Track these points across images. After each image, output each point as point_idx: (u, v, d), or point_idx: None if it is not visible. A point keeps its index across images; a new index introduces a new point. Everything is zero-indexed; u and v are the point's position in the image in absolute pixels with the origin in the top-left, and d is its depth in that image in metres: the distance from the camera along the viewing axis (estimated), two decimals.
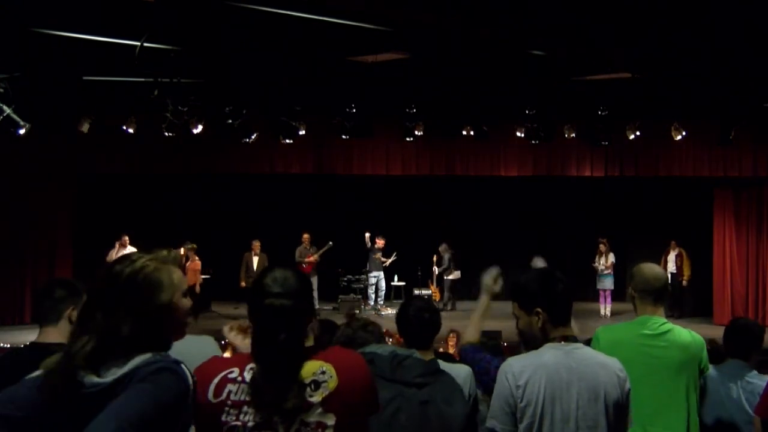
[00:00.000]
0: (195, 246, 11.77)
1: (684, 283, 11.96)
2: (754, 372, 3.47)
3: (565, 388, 2.25)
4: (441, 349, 8.08)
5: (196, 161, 11.63)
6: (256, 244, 12.47)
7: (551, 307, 2.36)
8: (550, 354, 2.31)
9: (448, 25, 7.35)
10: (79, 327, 1.66)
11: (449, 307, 13.45)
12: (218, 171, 12.13)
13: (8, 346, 9.17)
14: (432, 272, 13.34)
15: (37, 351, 2.39)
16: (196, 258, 11.67)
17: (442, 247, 13.36)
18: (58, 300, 2.63)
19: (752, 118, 10.14)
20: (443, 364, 2.96)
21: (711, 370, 3.30)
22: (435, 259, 13.33)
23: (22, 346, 2.76)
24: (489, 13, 7.10)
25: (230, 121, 9.93)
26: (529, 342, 2.44)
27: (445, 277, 13.34)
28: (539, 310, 2.36)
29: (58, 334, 2.57)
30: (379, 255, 13.01)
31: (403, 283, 13.43)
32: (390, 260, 13.17)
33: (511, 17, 7.15)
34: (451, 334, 8.39)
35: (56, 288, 2.69)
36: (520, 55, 8.12)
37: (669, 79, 9.14)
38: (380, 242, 12.97)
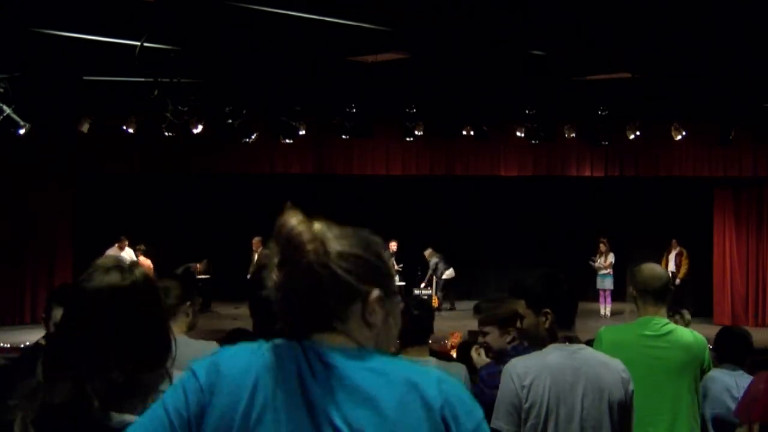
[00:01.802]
0: (143, 247, 11.77)
1: (677, 281, 11.93)
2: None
3: (569, 388, 2.27)
4: None
5: (196, 161, 11.63)
6: (256, 241, 12.52)
7: (558, 308, 2.39)
8: (554, 355, 2.33)
9: (448, 25, 7.36)
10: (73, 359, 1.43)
11: (447, 307, 13.44)
12: (218, 171, 12.13)
13: (8, 345, 9.17)
14: (431, 278, 13.35)
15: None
16: (141, 257, 11.62)
17: (427, 252, 13.33)
18: None
19: (752, 118, 10.15)
20: (438, 362, 2.99)
21: (712, 371, 3.31)
22: (426, 271, 13.32)
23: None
24: (489, 13, 7.10)
25: (230, 121, 9.93)
26: (532, 341, 2.46)
27: (436, 279, 13.35)
28: (548, 311, 2.37)
29: None
30: (392, 260, 13.02)
31: (403, 284, 13.42)
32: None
33: (511, 17, 7.16)
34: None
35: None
36: (520, 55, 8.12)
37: (669, 79, 9.15)
38: (392, 245, 12.99)
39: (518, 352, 2.70)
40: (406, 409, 1.11)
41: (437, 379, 1.16)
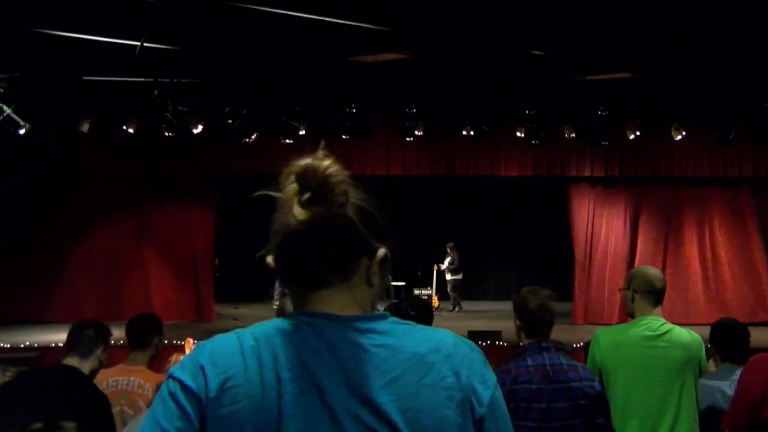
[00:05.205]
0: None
1: None
2: None
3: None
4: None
5: (196, 161, 11.62)
6: None
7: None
8: None
9: (448, 25, 7.36)
10: None
11: (449, 309, 13.42)
12: (218, 171, 12.12)
13: (8, 345, 9.16)
14: (433, 278, 13.31)
15: (70, 371, 3.00)
16: None
17: (450, 246, 13.32)
18: (91, 338, 3.15)
19: (752, 118, 10.14)
20: None
21: (706, 381, 3.28)
22: (436, 266, 13.32)
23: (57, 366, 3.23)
24: (489, 14, 7.10)
25: (230, 121, 9.93)
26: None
27: (449, 278, 13.31)
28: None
29: (86, 365, 3.09)
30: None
31: (402, 284, 13.41)
32: None
33: (512, 17, 7.16)
34: (189, 340, 7.86)
35: (88, 327, 3.19)
36: (520, 55, 8.12)
37: (669, 79, 9.15)
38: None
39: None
40: (427, 391, 1.07)
41: (448, 353, 1.12)
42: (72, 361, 3.09)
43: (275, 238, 1.14)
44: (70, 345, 3.15)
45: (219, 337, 1.11)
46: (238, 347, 1.07)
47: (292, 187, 1.13)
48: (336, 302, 1.12)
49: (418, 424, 1.05)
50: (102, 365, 3.24)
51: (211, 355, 1.07)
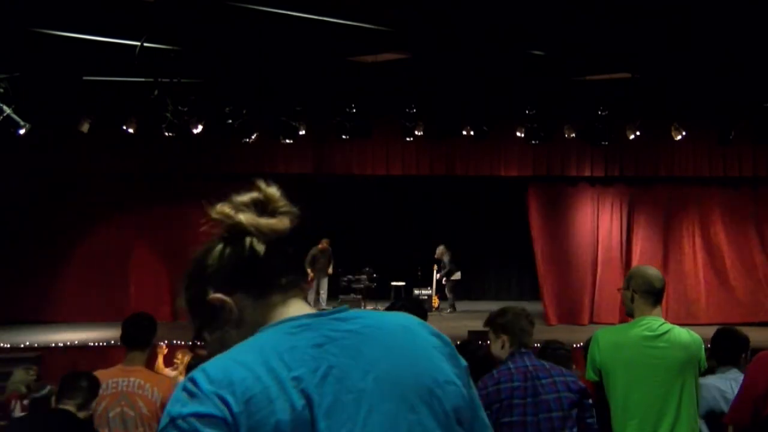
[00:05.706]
0: None
1: None
2: None
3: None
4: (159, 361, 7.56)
5: (196, 161, 11.63)
6: None
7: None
8: None
9: (448, 25, 7.36)
10: None
11: (448, 310, 13.41)
12: (218, 171, 12.12)
13: (9, 345, 9.17)
14: (433, 278, 13.29)
15: (69, 415, 3.18)
16: None
17: (440, 250, 13.27)
18: (86, 391, 3.26)
19: (752, 118, 10.15)
20: None
21: (703, 379, 3.30)
22: (435, 267, 13.28)
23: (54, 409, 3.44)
24: (489, 14, 7.11)
25: (230, 121, 9.93)
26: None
27: (445, 279, 13.28)
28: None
29: (81, 414, 3.22)
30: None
31: (403, 284, 13.40)
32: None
33: (512, 17, 7.16)
34: (162, 345, 7.84)
35: (82, 378, 3.30)
36: (520, 55, 8.13)
37: (669, 79, 9.15)
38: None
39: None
40: (424, 352, 1.19)
41: (421, 322, 1.25)
42: (68, 407, 3.22)
43: (224, 273, 1.20)
44: (67, 394, 3.27)
45: (207, 364, 1.06)
46: (234, 364, 1.05)
47: (247, 214, 1.23)
48: (302, 304, 1.22)
49: (431, 380, 1.15)
50: (91, 412, 3.33)
51: (209, 379, 1.03)
